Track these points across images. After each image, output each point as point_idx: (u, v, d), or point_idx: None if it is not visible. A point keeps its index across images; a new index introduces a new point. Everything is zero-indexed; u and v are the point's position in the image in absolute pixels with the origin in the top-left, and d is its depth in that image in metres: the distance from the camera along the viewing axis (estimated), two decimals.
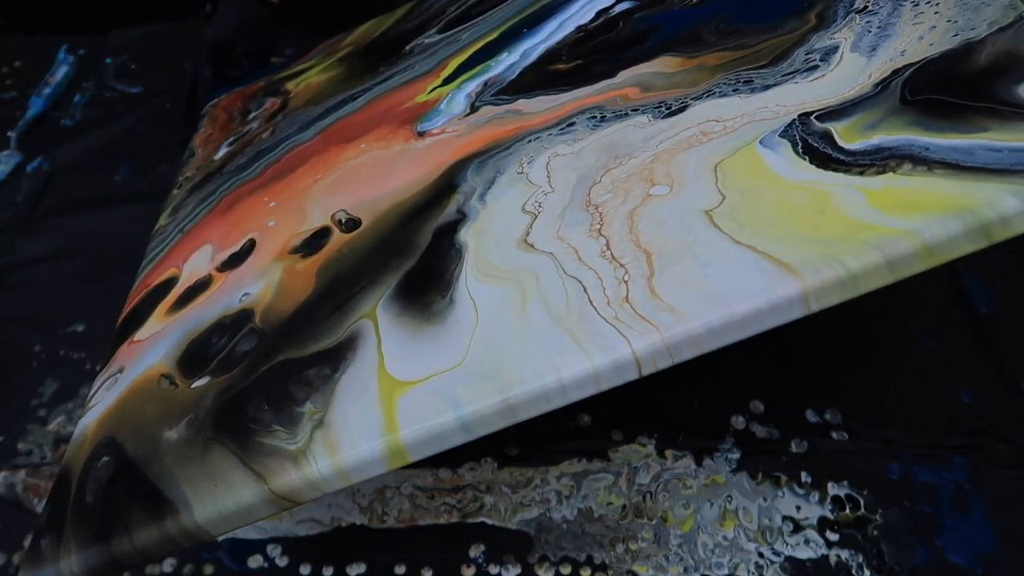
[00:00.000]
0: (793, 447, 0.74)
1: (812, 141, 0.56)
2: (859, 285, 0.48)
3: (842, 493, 0.71)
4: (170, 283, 0.69)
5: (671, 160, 0.59)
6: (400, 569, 0.66)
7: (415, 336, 0.53)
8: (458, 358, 0.50)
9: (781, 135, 0.57)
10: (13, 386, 0.76)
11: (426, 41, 0.85)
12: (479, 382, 0.49)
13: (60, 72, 1.07)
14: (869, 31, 0.63)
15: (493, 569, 0.66)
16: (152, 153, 0.99)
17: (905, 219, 0.49)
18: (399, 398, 0.49)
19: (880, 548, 0.68)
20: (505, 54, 0.76)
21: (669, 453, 0.73)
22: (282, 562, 0.66)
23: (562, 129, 0.65)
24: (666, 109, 0.64)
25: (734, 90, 0.64)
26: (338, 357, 0.53)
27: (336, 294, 0.58)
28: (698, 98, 0.64)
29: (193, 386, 0.55)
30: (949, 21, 0.61)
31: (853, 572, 0.66)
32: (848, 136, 0.55)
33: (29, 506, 0.68)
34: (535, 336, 0.51)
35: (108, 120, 1.03)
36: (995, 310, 0.86)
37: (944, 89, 0.55)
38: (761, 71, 0.64)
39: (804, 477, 0.72)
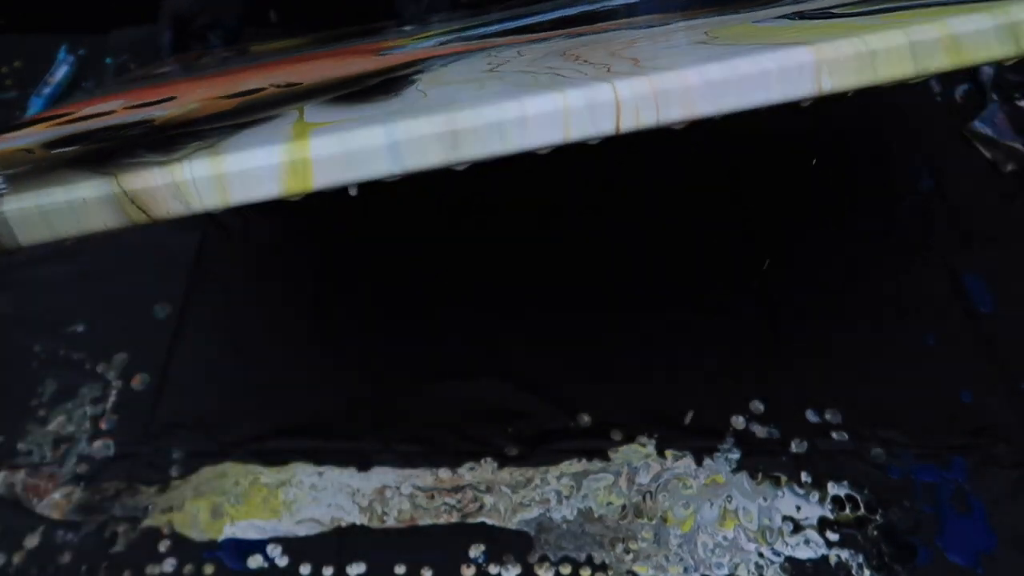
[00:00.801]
0: (793, 447, 0.74)
1: (811, 15, 0.53)
2: (877, 67, 0.42)
3: (842, 493, 0.71)
4: (65, 115, 0.65)
5: (655, 39, 0.56)
6: (400, 569, 0.66)
7: (349, 109, 0.47)
8: (397, 106, 0.45)
9: (778, 17, 0.55)
10: (13, 386, 0.76)
11: (399, 28, 0.85)
12: (417, 110, 0.43)
13: (60, 72, 1.07)
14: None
15: (493, 569, 0.66)
16: None
17: (927, 15, 0.45)
18: (313, 130, 0.43)
19: (880, 548, 0.68)
20: (481, 28, 0.75)
21: (669, 453, 0.73)
22: (282, 562, 0.66)
23: (541, 40, 0.64)
24: (647, 24, 0.63)
25: (719, 15, 0.62)
26: (240, 126, 0.47)
27: (255, 109, 0.52)
28: (683, 21, 0.63)
29: (53, 152, 0.49)
30: None
31: (853, 572, 0.66)
32: (853, 9, 0.53)
33: (28, 506, 0.68)
34: (491, 88, 0.45)
35: None
36: (995, 310, 0.86)
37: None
38: (746, 9, 0.63)
39: (804, 477, 0.72)
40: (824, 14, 0.53)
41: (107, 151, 0.45)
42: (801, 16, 0.54)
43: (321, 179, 0.41)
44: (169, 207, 0.41)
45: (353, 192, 0.43)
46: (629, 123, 0.41)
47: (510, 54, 0.60)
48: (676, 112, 0.42)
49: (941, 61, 0.44)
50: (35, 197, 0.40)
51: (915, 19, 0.45)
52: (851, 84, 0.42)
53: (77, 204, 0.40)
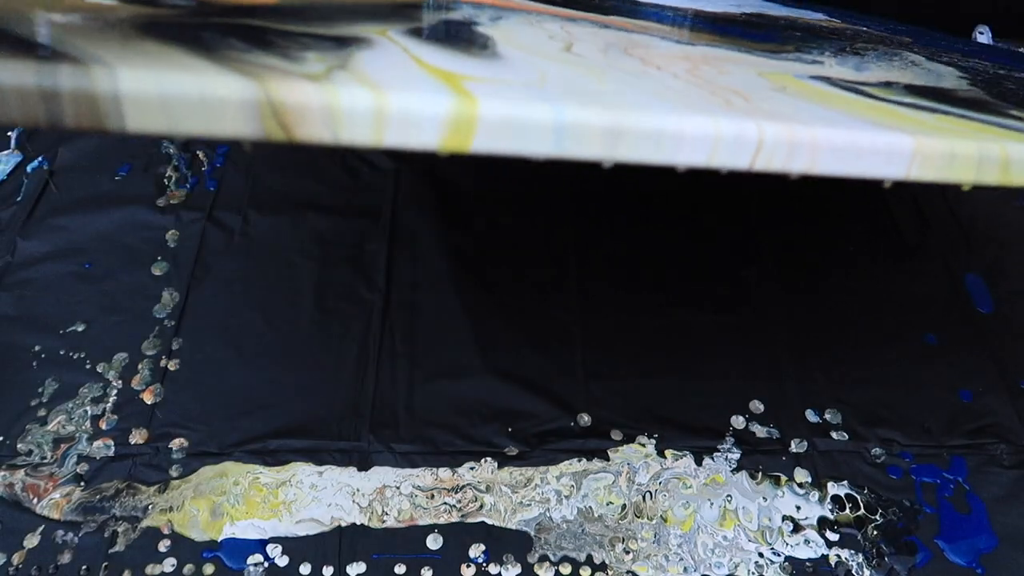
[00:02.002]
0: (793, 447, 0.74)
1: (848, 87, 0.59)
2: (954, 167, 0.48)
3: (842, 493, 0.71)
4: None
5: (707, 59, 0.61)
6: (400, 569, 0.66)
7: (458, 54, 0.47)
8: (536, 79, 0.46)
9: (812, 78, 0.61)
10: (13, 386, 0.76)
11: None
12: (579, 99, 0.43)
13: None
14: (847, 64, 0.69)
15: (493, 569, 0.66)
16: (152, 153, 0.98)
17: (986, 135, 0.52)
18: (465, 82, 0.42)
19: (880, 548, 0.68)
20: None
21: (669, 453, 0.73)
22: (282, 562, 0.66)
23: (569, 19, 0.67)
24: (675, 40, 0.68)
25: (738, 50, 0.68)
26: (340, 41, 0.45)
27: (311, 15, 0.50)
28: (704, 44, 0.68)
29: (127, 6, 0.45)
30: (913, 79, 0.69)
31: (853, 572, 0.66)
32: (883, 94, 0.59)
33: (28, 505, 0.68)
34: (636, 94, 0.46)
35: None
36: (995, 310, 0.86)
37: (945, 98, 0.61)
38: (756, 52, 0.69)
39: (804, 477, 0.72)
40: (858, 91, 0.59)
41: (196, 28, 0.41)
42: (833, 82, 0.61)
43: (482, 142, 0.40)
44: (315, 131, 0.38)
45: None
46: (762, 163, 0.45)
47: (573, 31, 0.63)
48: (800, 164, 0.46)
49: (994, 177, 0.50)
50: (156, 80, 0.35)
51: (972, 132, 0.52)
52: (928, 178, 0.48)
53: (212, 101, 0.36)
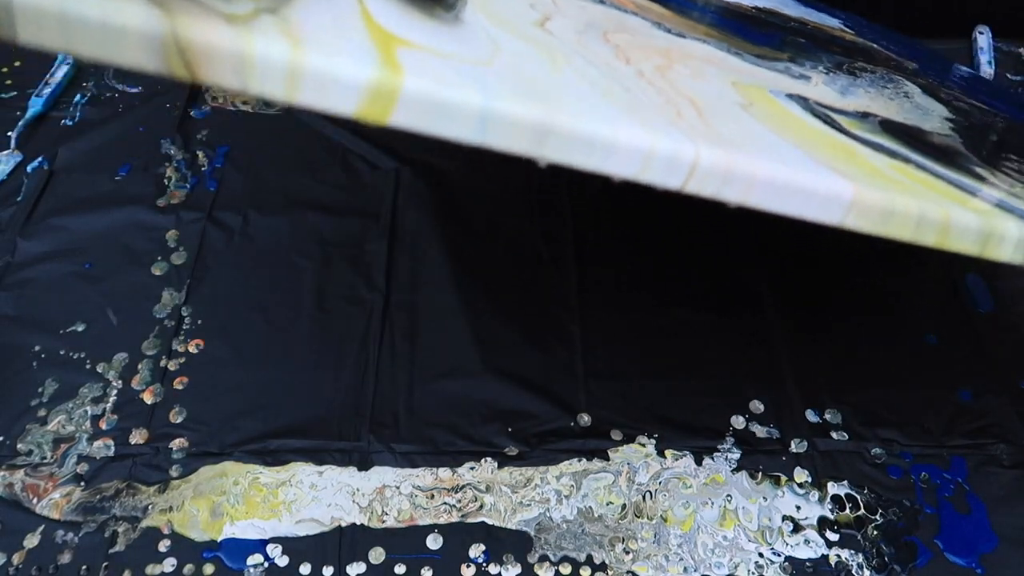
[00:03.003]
0: (793, 447, 0.74)
1: (819, 113, 0.59)
2: (889, 225, 0.48)
3: (842, 493, 0.71)
4: None
5: (686, 57, 0.60)
6: (400, 569, 0.66)
7: (412, 16, 0.45)
8: (484, 57, 0.43)
9: (788, 96, 0.60)
10: (13, 386, 0.76)
11: None
12: (518, 90, 0.42)
13: (60, 72, 1.07)
14: (834, 84, 0.69)
15: (493, 569, 0.66)
16: (152, 153, 0.99)
17: (931, 193, 0.51)
18: (399, 48, 0.40)
19: (880, 548, 0.68)
20: None
21: (669, 453, 0.73)
22: (282, 562, 0.66)
23: None
24: (665, 29, 0.66)
25: (727, 50, 0.66)
26: None
27: None
28: (695, 39, 0.66)
29: None
30: (899, 113, 0.68)
31: (853, 572, 0.66)
32: (851, 126, 0.58)
33: (28, 505, 0.68)
34: (582, 94, 0.44)
35: (108, 120, 1.03)
36: (995, 310, 0.86)
37: (914, 143, 0.61)
38: (746, 55, 0.68)
39: (804, 477, 0.72)
40: (827, 119, 0.58)
41: None
42: (807, 105, 0.59)
43: (400, 117, 0.38)
44: (223, 77, 0.35)
45: None
46: (692, 187, 0.44)
47: (562, 2, 0.60)
48: (731, 194, 0.45)
49: (931, 240, 0.50)
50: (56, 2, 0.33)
51: (923, 190, 0.51)
52: (865, 229, 0.48)
53: (113, 29, 0.33)
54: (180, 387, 0.77)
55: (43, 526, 0.67)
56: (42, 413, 0.75)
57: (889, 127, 0.63)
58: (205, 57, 0.35)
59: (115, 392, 0.76)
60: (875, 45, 0.91)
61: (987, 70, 1.08)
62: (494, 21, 0.50)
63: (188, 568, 0.66)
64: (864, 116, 0.63)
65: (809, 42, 0.79)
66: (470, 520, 0.69)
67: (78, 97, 1.07)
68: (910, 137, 0.63)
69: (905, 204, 0.48)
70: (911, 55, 0.93)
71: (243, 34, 0.35)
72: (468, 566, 0.66)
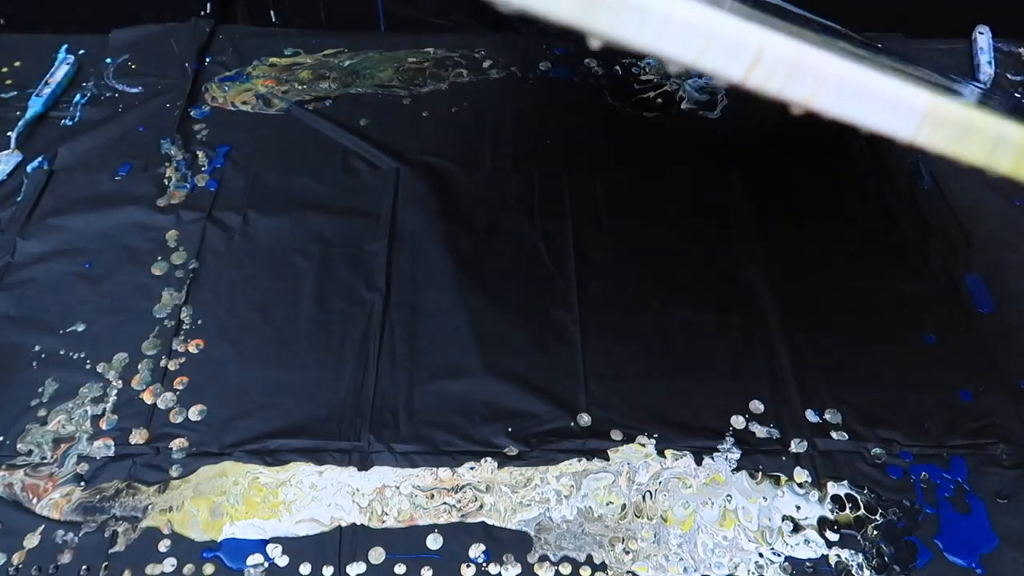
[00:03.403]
0: (793, 447, 0.74)
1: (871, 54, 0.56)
2: (968, 139, 0.44)
3: (842, 493, 0.71)
4: None
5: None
6: (400, 569, 0.66)
7: None
8: None
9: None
10: (13, 386, 0.76)
11: None
12: None
13: (60, 72, 1.07)
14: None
15: (493, 569, 0.66)
16: (152, 153, 0.99)
17: (1011, 120, 0.46)
18: None
19: (880, 548, 0.68)
20: None
21: (669, 453, 0.73)
22: (282, 562, 0.66)
23: None
24: None
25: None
26: None
27: None
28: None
29: None
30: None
31: (853, 572, 0.66)
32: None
33: (28, 505, 0.68)
34: None
35: (108, 120, 1.03)
36: (995, 310, 0.86)
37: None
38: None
39: (804, 477, 0.72)
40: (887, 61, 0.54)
41: None
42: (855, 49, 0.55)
43: None
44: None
45: None
46: (755, 80, 0.39)
47: None
48: (797, 92, 0.41)
49: (1007, 164, 0.46)
50: None
51: (985, 112, 0.46)
52: (937, 146, 0.43)
53: None
54: (180, 387, 0.77)
55: (43, 526, 0.67)
56: (42, 413, 0.75)
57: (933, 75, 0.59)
58: None
59: (115, 392, 0.76)
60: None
61: (987, 70, 1.08)
62: None
63: (188, 568, 0.65)
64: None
65: (824, 31, 0.78)
66: (470, 520, 0.69)
67: (78, 97, 1.07)
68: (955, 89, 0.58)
69: (983, 121, 0.44)
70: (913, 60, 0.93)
71: None
72: (468, 566, 0.66)
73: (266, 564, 0.66)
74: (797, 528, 0.69)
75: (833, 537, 0.68)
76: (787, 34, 0.41)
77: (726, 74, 0.39)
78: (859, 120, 0.42)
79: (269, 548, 0.67)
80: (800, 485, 0.71)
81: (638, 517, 0.69)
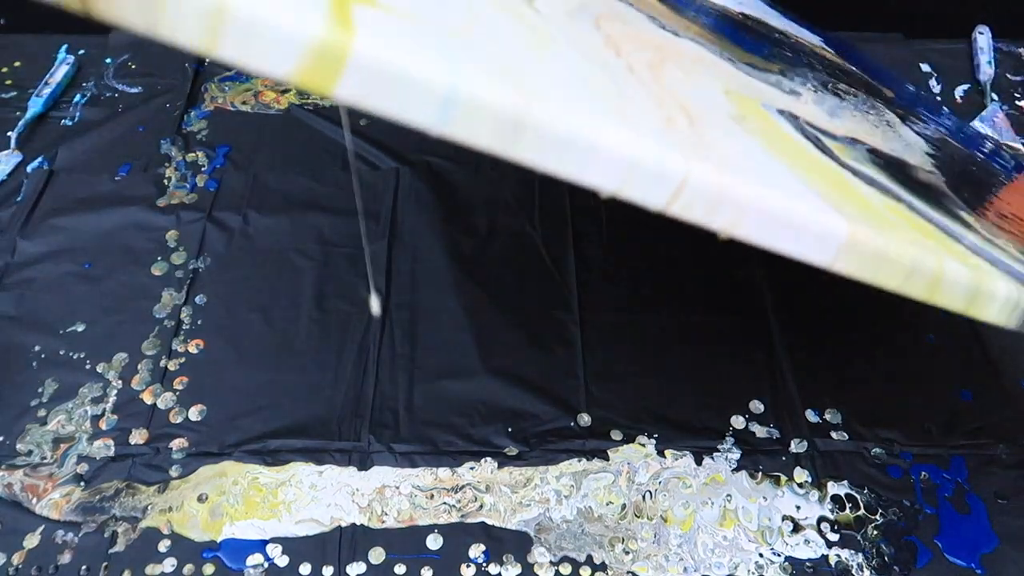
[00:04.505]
0: (793, 447, 0.74)
1: (809, 134, 0.56)
2: (882, 271, 0.45)
3: (842, 493, 0.71)
4: None
5: (679, 56, 0.56)
6: (400, 569, 0.66)
7: None
8: (459, 25, 0.37)
9: (779, 112, 0.58)
10: (13, 386, 0.76)
11: None
12: (491, 70, 0.35)
13: (60, 72, 1.07)
14: (823, 104, 0.66)
15: (493, 569, 0.66)
16: (152, 153, 0.99)
17: (930, 242, 0.49)
18: (354, 5, 0.32)
19: (880, 548, 0.68)
20: None
21: (669, 453, 0.73)
22: (282, 562, 0.66)
23: None
24: (659, 24, 0.63)
25: (719, 55, 0.64)
26: None
27: None
28: (689, 38, 0.63)
29: None
30: (883, 142, 0.65)
31: (853, 572, 0.66)
32: (842, 153, 0.57)
33: (28, 505, 0.68)
34: (565, 82, 0.38)
35: (108, 120, 1.03)
36: None
37: (904, 176, 0.58)
38: (739, 62, 0.66)
39: (804, 477, 0.72)
40: (818, 143, 0.55)
41: None
42: (797, 124, 0.56)
43: (347, 88, 0.31)
44: (122, 13, 0.28)
45: None
46: (677, 209, 0.39)
47: None
48: (719, 221, 0.41)
49: (919, 292, 0.47)
50: None
51: (909, 234, 0.47)
52: (852, 274, 0.44)
53: None
54: (180, 387, 0.77)
55: (43, 526, 0.67)
56: (42, 413, 0.75)
57: (878, 158, 0.60)
58: None
59: (115, 392, 0.76)
60: (854, 68, 0.89)
61: (987, 70, 1.08)
62: None
63: (188, 568, 0.65)
64: (853, 143, 0.60)
65: (795, 56, 0.78)
66: (470, 520, 0.69)
67: (78, 97, 1.07)
68: (898, 171, 0.59)
69: (899, 251, 0.44)
70: (886, 82, 0.93)
71: None
72: (468, 566, 0.66)
73: (266, 564, 0.66)
74: (797, 528, 0.69)
75: (833, 537, 0.68)
76: (709, 160, 0.40)
77: (647, 203, 0.39)
78: (778, 247, 0.43)
79: (269, 548, 0.67)
80: (800, 485, 0.71)
81: (638, 517, 0.69)
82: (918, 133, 0.76)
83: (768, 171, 0.44)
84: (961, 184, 0.70)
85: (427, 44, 0.34)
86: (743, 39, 0.74)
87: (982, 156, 0.87)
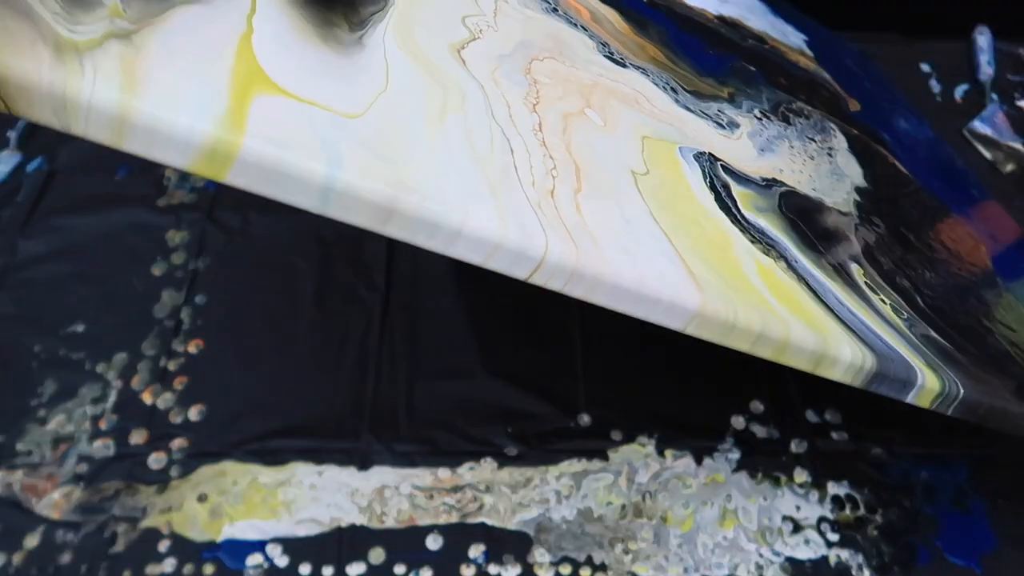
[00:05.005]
0: (793, 447, 0.74)
1: (717, 184, 0.59)
2: (731, 337, 0.50)
3: (842, 493, 0.71)
4: None
5: (608, 99, 0.59)
6: (400, 569, 0.66)
7: (304, 42, 0.41)
8: (355, 109, 0.41)
9: (695, 157, 0.60)
10: (13, 386, 0.76)
11: None
12: (373, 157, 0.39)
13: None
14: (761, 135, 0.68)
15: (493, 569, 0.66)
16: None
17: (782, 307, 0.53)
18: (257, 96, 0.37)
19: (880, 548, 0.68)
20: None
21: (669, 453, 0.73)
22: (282, 562, 0.66)
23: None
24: (608, 52, 0.65)
25: (663, 87, 0.65)
26: None
27: None
28: (636, 67, 0.65)
29: None
30: (811, 178, 0.68)
31: (853, 572, 0.66)
32: (742, 202, 0.59)
33: (28, 506, 0.68)
34: (452, 158, 0.43)
35: None
36: None
37: (804, 222, 0.62)
38: (684, 91, 0.67)
39: (804, 477, 0.72)
40: (723, 193, 0.58)
41: None
42: (711, 169, 0.60)
43: (235, 179, 0.36)
44: (42, 115, 0.32)
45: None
46: (537, 280, 0.44)
47: (488, 7, 0.57)
48: (575, 292, 0.46)
49: (768, 352, 0.52)
50: None
51: (767, 302, 0.52)
52: (704, 338, 0.49)
53: None
54: (180, 387, 0.77)
55: (43, 526, 0.67)
56: (42, 413, 0.75)
57: (787, 202, 0.62)
58: (21, 92, 0.30)
59: (115, 392, 0.76)
60: (827, 75, 0.88)
61: (987, 70, 1.08)
62: (404, 45, 0.47)
63: (188, 568, 0.66)
64: (769, 186, 0.63)
65: (759, 71, 0.77)
66: (470, 520, 0.69)
67: None
68: (803, 217, 0.62)
69: (748, 321, 0.49)
70: (858, 91, 0.91)
71: (70, 70, 0.31)
72: (468, 566, 0.66)
73: (266, 564, 0.66)
74: (797, 528, 0.69)
75: (833, 537, 0.68)
76: (574, 237, 0.45)
77: (509, 274, 0.44)
78: (633, 314, 0.49)
79: (269, 548, 0.67)
80: (800, 485, 0.71)
81: (638, 517, 0.69)
82: (862, 158, 0.76)
83: (639, 240, 0.48)
84: (887, 218, 0.71)
85: (316, 135, 0.38)
86: (703, 57, 0.73)
87: (943, 180, 0.87)
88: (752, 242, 0.55)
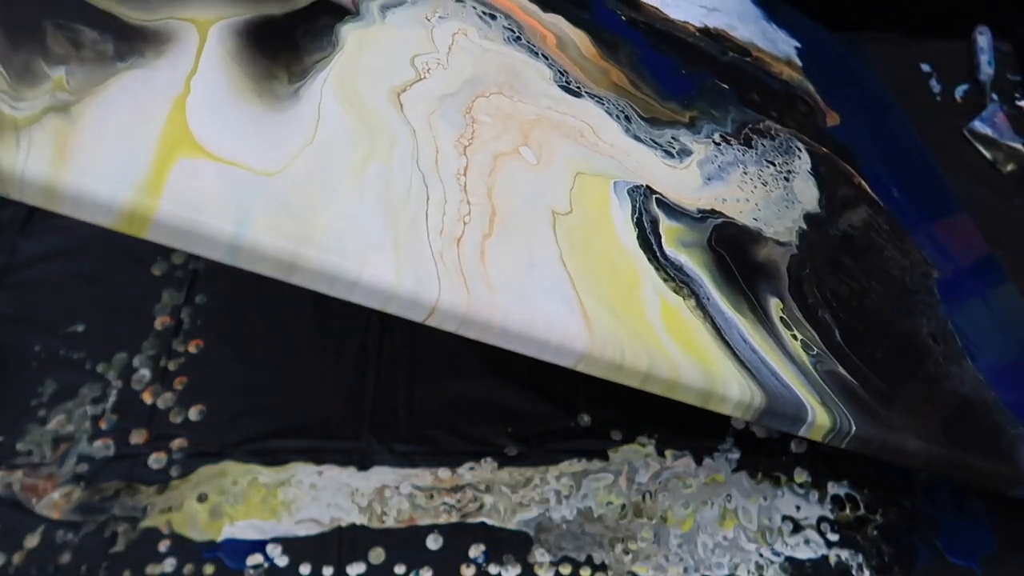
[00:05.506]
0: (793, 447, 0.74)
1: (645, 220, 0.60)
2: (620, 376, 0.52)
3: (842, 493, 0.71)
4: None
5: (549, 134, 0.60)
6: (400, 569, 0.66)
7: (239, 100, 0.45)
8: (274, 167, 0.44)
9: (630, 191, 0.61)
10: (13, 386, 0.76)
11: None
12: (281, 214, 0.43)
13: None
14: (713, 162, 0.69)
15: (493, 569, 0.66)
16: None
17: (675, 347, 0.55)
18: (180, 159, 0.41)
19: (880, 548, 0.68)
20: None
21: (669, 453, 0.73)
22: (282, 562, 0.66)
23: (481, 14, 0.64)
24: (564, 82, 0.66)
25: (617, 115, 0.66)
26: (135, 42, 0.42)
27: None
28: (592, 96, 0.66)
29: None
30: (757, 206, 0.68)
31: (853, 572, 0.66)
32: (667, 238, 0.61)
33: (28, 506, 0.68)
34: (363, 210, 0.46)
35: None
36: None
37: (733, 256, 0.63)
38: (639, 119, 0.68)
39: (804, 477, 0.72)
40: (648, 229, 0.60)
41: None
42: (643, 204, 0.61)
43: (155, 236, 0.40)
44: None
45: None
46: (433, 323, 0.48)
47: (465, 45, 0.59)
48: (471, 334, 0.49)
49: (658, 390, 0.54)
50: None
51: (661, 344, 0.54)
52: (596, 375, 0.52)
53: None
54: (180, 387, 0.77)
55: (43, 526, 0.67)
56: (42, 413, 0.75)
57: (719, 235, 0.63)
58: None
59: (115, 392, 0.76)
60: (810, 86, 0.87)
61: (987, 70, 1.08)
62: (341, 92, 0.50)
63: (188, 568, 0.66)
64: (704, 218, 0.64)
65: (732, 88, 0.77)
66: (470, 520, 0.69)
67: None
68: (733, 250, 0.63)
69: (635, 362, 0.51)
70: (847, 99, 0.89)
71: (6, 147, 0.35)
72: (468, 566, 0.66)
73: (266, 564, 0.66)
74: (797, 528, 0.69)
75: (833, 537, 0.68)
76: (469, 286, 0.48)
77: (408, 317, 0.47)
78: (525, 353, 0.52)
79: (269, 548, 0.67)
80: (800, 485, 0.71)
81: (638, 517, 0.69)
82: (823, 180, 0.76)
83: (538, 284, 0.51)
84: (829, 247, 0.71)
85: (230, 194, 0.42)
86: (672, 79, 0.73)
87: (917, 191, 0.86)
88: (665, 280, 0.57)
